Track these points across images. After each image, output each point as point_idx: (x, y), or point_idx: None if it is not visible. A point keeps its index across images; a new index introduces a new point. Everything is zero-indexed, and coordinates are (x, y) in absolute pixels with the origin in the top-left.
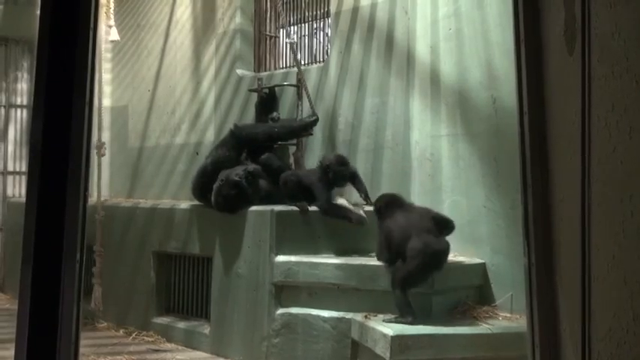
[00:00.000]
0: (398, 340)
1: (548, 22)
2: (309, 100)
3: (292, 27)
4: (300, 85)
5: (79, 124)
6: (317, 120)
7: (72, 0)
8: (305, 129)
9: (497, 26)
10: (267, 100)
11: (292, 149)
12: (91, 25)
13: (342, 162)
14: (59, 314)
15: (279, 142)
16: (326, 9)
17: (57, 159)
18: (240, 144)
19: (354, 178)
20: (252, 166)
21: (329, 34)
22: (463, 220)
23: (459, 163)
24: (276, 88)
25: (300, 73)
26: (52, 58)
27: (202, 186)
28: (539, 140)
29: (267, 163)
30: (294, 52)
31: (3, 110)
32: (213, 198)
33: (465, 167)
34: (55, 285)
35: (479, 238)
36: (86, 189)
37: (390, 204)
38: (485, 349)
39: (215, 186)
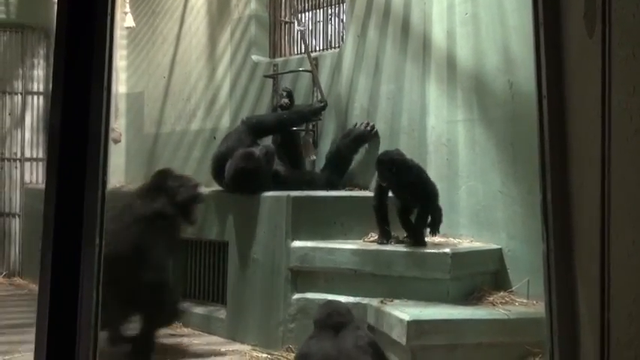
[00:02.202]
0: (414, 326)
1: (567, 5)
2: (318, 86)
3: (307, 13)
4: (312, 71)
5: (97, 110)
6: (325, 105)
7: None
8: (314, 114)
9: (514, 10)
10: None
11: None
12: (109, 11)
13: (381, 161)
14: (79, 299)
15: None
16: None
17: (75, 145)
18: (253, 133)
19: (413, 186)
20: (270, 146)
21: (344, 20)
22: (479, 205)
23: (475, 148)
24: (291, 76)
25: (309, 59)
26: (70, 44)
27: (219, 170)
28: (558, 124)
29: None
30: (304, 40)
31: (20, 97)
32: (226, 174)
33: (481, 153)
34: (75, 270)
35: (495, 224)
36: (105, 174)
37: (329, 319)
38: (501, 335)
39: (229, 162)
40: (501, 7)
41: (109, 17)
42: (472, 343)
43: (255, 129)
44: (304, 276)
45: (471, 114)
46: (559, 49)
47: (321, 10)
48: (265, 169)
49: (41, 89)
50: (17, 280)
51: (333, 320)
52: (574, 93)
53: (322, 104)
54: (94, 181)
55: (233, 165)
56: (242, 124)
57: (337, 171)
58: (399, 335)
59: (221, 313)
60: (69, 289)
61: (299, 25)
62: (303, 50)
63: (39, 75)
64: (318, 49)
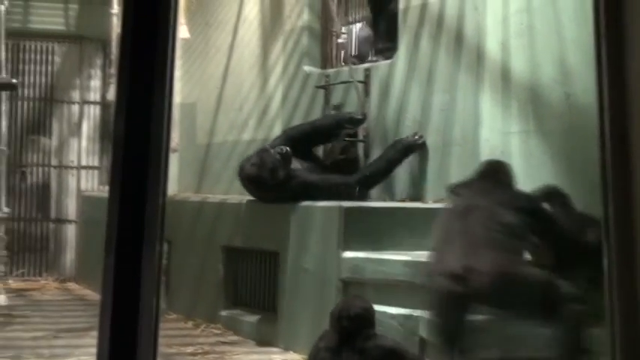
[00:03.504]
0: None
1: (631, 16)
2: (359, 98)
3: (358, 24)
4: (365, 82)
5: (159, 120)
6: (364, 119)
7: None
8: (349, 122)
9: (571, 21)
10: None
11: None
12: (171, 23)
13: None
14: (140, 304)
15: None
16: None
17: (138, 153)
18: (290, 141)
19: None
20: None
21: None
22: None
23: (531, 160)
24: (345, 85)
25: (350, 72)
26: (133, 55)
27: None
28: (621, 137)
29: None
30: (346, 53)
31: (77, 107)
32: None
33: (536, 165)
34: (136, 275)
35: None
36: (165, 182)
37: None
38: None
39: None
40: (558, 18)
41: (171, 29)
42: (523, 356)
43: (294, 139)
44: (355, 287)
45: (526, 125)
46: (621, 61)
47: None
48: (279, 168)
49: (97, 99)
50: (72, 285)
51: (343, 324)
52: (637, 107)
53: (360, 117)
54: (156, 189)
55: (253, 166)
56: (282, 134)
57: (372, 180)
58: None
59: (272, 321)
60: (130, 294)
61: (339, 37)
62: (348, 62)
63: (96, 85)
64: (370, 59)
